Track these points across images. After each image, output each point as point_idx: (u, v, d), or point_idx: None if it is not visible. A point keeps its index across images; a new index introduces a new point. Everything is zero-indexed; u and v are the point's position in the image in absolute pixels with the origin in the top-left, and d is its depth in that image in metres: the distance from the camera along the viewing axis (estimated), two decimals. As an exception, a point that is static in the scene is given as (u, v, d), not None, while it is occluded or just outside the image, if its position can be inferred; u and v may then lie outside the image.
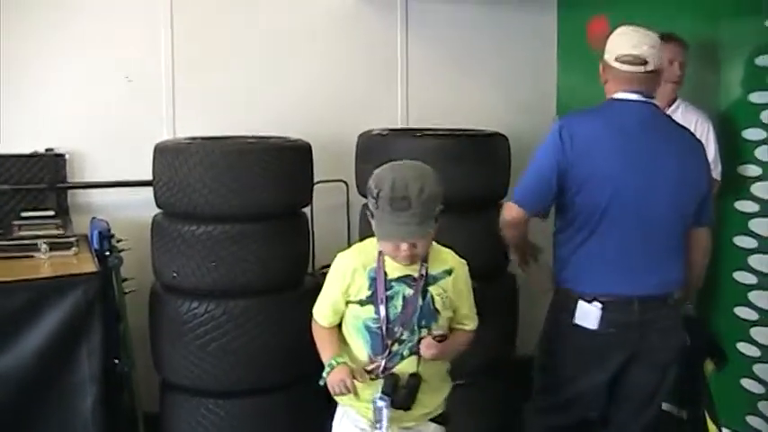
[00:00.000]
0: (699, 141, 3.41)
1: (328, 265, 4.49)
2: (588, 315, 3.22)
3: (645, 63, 3.22)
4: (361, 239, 4.16)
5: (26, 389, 3.59)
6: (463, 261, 3.01)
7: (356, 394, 2.89)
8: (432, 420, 3.04)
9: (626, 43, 3.27)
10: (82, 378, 3.70)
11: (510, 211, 3.33)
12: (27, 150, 4.50)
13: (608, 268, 3.24)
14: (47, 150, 4.53)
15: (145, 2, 4.73)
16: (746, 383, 4.42)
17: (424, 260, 2.88)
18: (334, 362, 2.89)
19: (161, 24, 4.74)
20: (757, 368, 4.37)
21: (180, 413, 4.14)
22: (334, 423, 3.10)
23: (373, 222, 2.80)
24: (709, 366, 3.47)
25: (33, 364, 3.58)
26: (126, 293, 4.22)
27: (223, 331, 3.94)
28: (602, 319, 3.22)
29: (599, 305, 3.22)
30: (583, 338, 3.24)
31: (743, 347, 4.42)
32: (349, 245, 4.82)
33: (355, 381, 2.87)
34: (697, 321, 3.51)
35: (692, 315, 3.51)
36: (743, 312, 4.43)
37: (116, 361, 3.97)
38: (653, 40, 3.26)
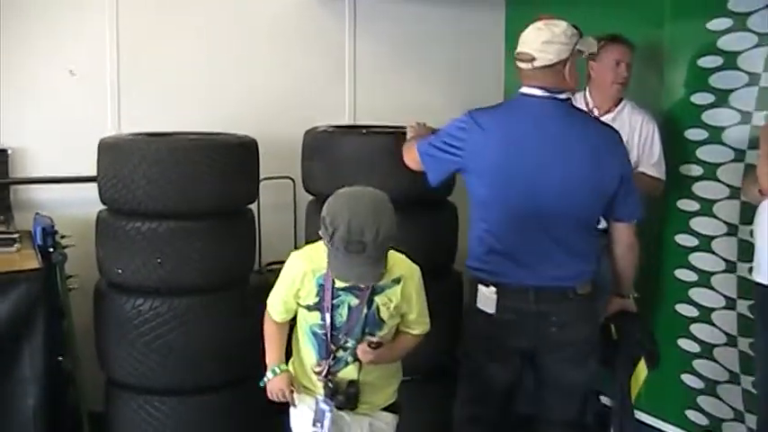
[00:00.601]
0: (612, 136, 3.38)
1: (275, 262, 4.50)
2: (487, 299, 3.28)
3: (532, 59, 3.23)
4: (308, 236, 4.20)
5: (-32, 387, 3.57)
6: (415, 267, 3.03)
7: (293, 405, 2.99)
8: (384, 409, 3.11)
9: (522, 40, 3.31)
10: (24, 377, 3.68)
11: (411, 161, 3.54)
12: (-31, 146, 4.43)
13: (503, 256, 3.28)
14: (-12, 146, 4.47)
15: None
16: (686, 378, 4.50)
17: None
18: (277, 369, 3.00)
19: (106, 18, 4.67)
20: (697, 363, 4.45)
21: (125, 411, 4.10)
22: (292, 410, 3.11)
23: (326, 253, 2.80)
24: (642, 368, 3.45)
25: (-25, 363, 3.55)
26: (70, 290, 4.18)
27: (168, 329, 3.91)
28: (499, 304, 3.27)
29: (494, 290, 3.27)
30: (485, 324, 3.29)
31: (683, 343, 4.50)
32: (296, 242, 4.86)
33: (294, 392, 2.99)
34: (631, 317, 3.53)
35: (630, 310, 3.53)
36: (684, 309, 4.50)
37: (60, 359, 3.95)
38: (550, 35, 3.22)
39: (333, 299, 2.89)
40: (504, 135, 3.26)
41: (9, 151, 4.50)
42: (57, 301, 3.98)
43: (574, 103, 4.45)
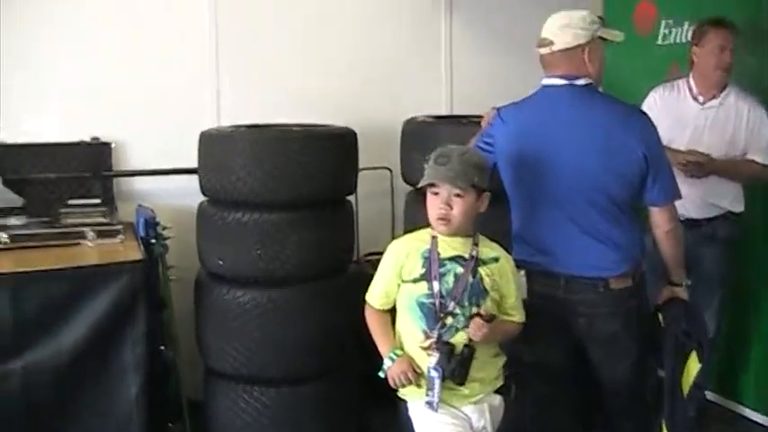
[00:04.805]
0: (630, 117, 3.26)
1: (373, 253, 4.50)
2: (521, 284, 3.25)
3: (551, 43, 3.25)
4: (407, 227, 4.19)
5: (72, 376, 3.64)
6: (509, 256, 3.14)
7: (418, 385, 3.00)
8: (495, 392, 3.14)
9: (543, 28, 3.32)
10: (126, 365, 3.74)
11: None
12: (74, 139, 4.52)
13: (530, 245, 3.31)
14: (93, 139, 4.56)
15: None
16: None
17: (475, 244, 3.04)
18: (393, 355, 3.03)
19: (204, 10, 4.75)
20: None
21: (224, 400, 4.13)
22: (416, 419, 3.10)
23: (420, 184, 3.02)
24: (693, 362, 3.29)
25: (79, 352, 3.63)
26: (171, 281, 4.24)
27: (267, 319, 3.93)
28: (529, 289, 3.27)
29: (523, 273, 3.27)
30: (526, 307, 3.23)
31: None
32: (393, 232, 4.85)
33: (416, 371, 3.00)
34: (679, 304, 3.38)
35: (681, 297, 3.38)
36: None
37: (161, 348, 4.00)
38: (568, 20, 3.25)
39: (439, 268, 2.98)
40: (520, 125, 3.32)
41: (112, 144, 4.59)
42: (158, 292, 4.03)
43: (659, 92, 4.41)
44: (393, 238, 4.63)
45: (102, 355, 3.69)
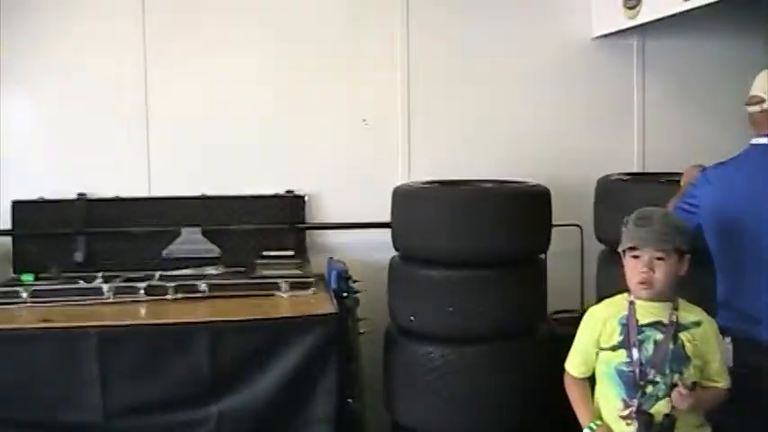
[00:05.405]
0: None
1: (561, 311, 4.41)
2: (726, 351, 3.10)
3: (761, 101, 3.18)
4: (599, 286, 4.09)
5: (265, 423, 3.72)
6: (712, 319, 3.02)
7: None
8: None
9: (753, 85, 3.24)
10: (316, 417, 3.79)
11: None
12: (270, 192, 4.69)
13: (734, 309, 3.17)
14: (287, 192, 4.70)
15: (381, 48, 4.86)
16: None
17: (675, 308, 2.93)
18: (593, 425, 2.98)
19: (398, 70, 4.85)
20: None
21: (409, 455, 4.13)
22: None
23: (620, 248, 2.96)
24: None
25: (271, 401, 3.71)
26: (360, 334, 4.27)
27: (457, 376, 3.92)
28: (735, 357, 3.10)
29: (729, 340, 3.11)
30: (732, 377, 3.07)
31: None
32: (582, 290, 4.74)
33: None
34: None
35: None
36: None
37: (349, 401, 4.03)
38: None
39: (638, 335, 2.91)
40: (727, 186, 3.22)
41: (306, 197, 4.72)
42: (348, 345, 4.07)
43: None
44: (582, 296, 4.58)
45: (293, 405, 3.75)
